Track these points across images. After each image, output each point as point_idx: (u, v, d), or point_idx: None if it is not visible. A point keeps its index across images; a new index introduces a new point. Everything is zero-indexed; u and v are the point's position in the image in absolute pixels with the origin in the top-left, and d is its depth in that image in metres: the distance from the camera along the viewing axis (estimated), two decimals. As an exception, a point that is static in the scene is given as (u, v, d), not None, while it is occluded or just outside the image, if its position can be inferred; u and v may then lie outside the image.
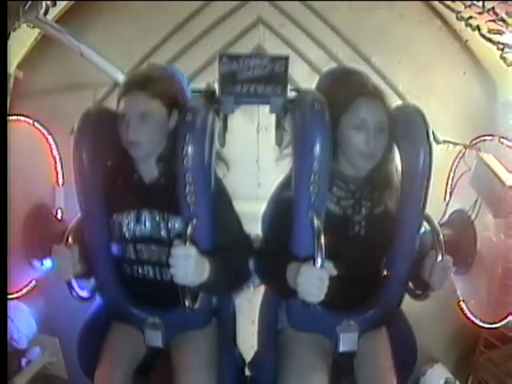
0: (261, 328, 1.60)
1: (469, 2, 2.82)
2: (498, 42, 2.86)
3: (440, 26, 2.91)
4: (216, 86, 1.55)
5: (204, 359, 1.41)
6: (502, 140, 2.01)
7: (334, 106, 1.28)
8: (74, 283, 1.40)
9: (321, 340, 1.44)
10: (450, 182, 2.14)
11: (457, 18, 2.94)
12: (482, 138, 2.08)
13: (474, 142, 2.10)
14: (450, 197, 2.12)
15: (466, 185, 2.01)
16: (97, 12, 2.61)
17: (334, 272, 1.17)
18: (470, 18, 2.91)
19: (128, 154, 1.37)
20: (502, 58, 2.87)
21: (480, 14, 2.85)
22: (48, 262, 1.93)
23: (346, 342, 1.41)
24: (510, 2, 2.70)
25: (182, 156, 1.24)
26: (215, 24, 2.54)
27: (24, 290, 2.01)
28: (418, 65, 2.59)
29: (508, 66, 2.85)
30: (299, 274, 1.14)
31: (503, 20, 2.81)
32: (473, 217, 1.96)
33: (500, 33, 2.84)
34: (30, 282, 2.02)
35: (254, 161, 2.58)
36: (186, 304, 1.22)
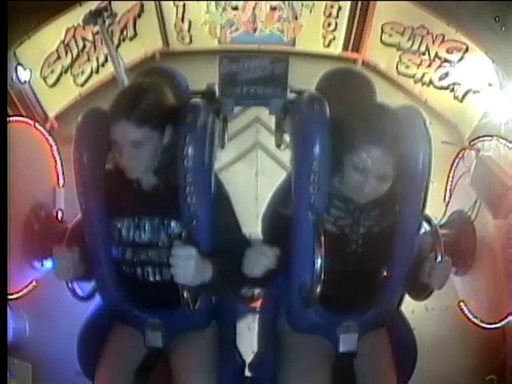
0: (261, 331, 1.61)
1: (419, 60, 3.35)
2: (448, 85, 3.26)
3: (403, 96, 3.42)
4: (216, 88, 1.56)
5: (204, 361, 1.41)
6: (501, 140, 2.01)
7: (344, 131, 1.22)
8: (75, 284, 1.41)
9: (321, 341, 1.44)
10: (450, 182, 2.14)
11: (414, 81, 3.44)
12: (482, 139, 2.07)
13: (473, 142, 2.10)
14: (450, 197, 2.12)
15: (466, 185, 2.01)
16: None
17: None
18: (423, 75, 3.38)
19: None
20: (456, 98, 3.24)
21: (429, 66, 3.33)
22: (48, 263, 1.93)
23: (346, 342, 1.41)
24: (446, 38, 3.16)
25: (182, 156, 1.24)
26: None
27: (24, 291, 2.00)
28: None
29: (461, 101, 3.21)
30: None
31: (446, 60, 3.21)
32: (473, 217, 1.95)
33: (447, 74, 3.24)
34: (30, 282, 2.01)
35: (253, 198, 2.79)
36: (187, 304, 1.22)
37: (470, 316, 2.06)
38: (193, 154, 1.24)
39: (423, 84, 3.41)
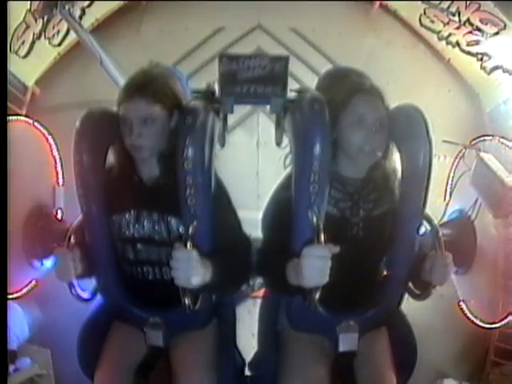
0: (261, 328, 1.61)
1: (447, 19, 3.08)
2: (477, 53, 3.06)
3: (424, 50, 3.14)
4: (216, 87, 1.55)
5: (204, 359, 1.42)
6: (501, 140, 2.01)
7: (332, 105, 1.28)
8: (76, 284, 1.41)
9: (321, 340, 1.44)
10: (450, 182, 2.14)
11: (438, 38, 3.17)
12: (482, 138, 2.07)
13: (473, 142, 2.09)
14: (450, 197, 2.11)
15: (466, 185, 2.01)
16: (111, 39, 2.86)
17: (336, 250, 1.15)
18: (450, 35, 3.14)
19: (128, 154, 1.37)
20: (483, 68, 3.05)
21: (457, 28, 3.09)
22: (48, 262, 1.93)
23: (346, 342, 1.41)
24: (481, 9, 2.95)
25: (182, 159, 1.24)
26: (219, 53, 2.75)
27: (24, 290, 2.00)
28: (404, 87, 2.72)
29: (489, 74, 3.03)
30: (302, 257, 1.13)
31: (479, 29, 3.01)
32: (473, 217, 1.95)
33: (478, 43, 3.04)
34: (30, 282, 2.01)
35: (254, 174, 2.71)
36: (187, 305, 1.22)
37: (471, 316, 2.06)
38: (193, 156, 1.24)
39: (448, 43, 3.18)
